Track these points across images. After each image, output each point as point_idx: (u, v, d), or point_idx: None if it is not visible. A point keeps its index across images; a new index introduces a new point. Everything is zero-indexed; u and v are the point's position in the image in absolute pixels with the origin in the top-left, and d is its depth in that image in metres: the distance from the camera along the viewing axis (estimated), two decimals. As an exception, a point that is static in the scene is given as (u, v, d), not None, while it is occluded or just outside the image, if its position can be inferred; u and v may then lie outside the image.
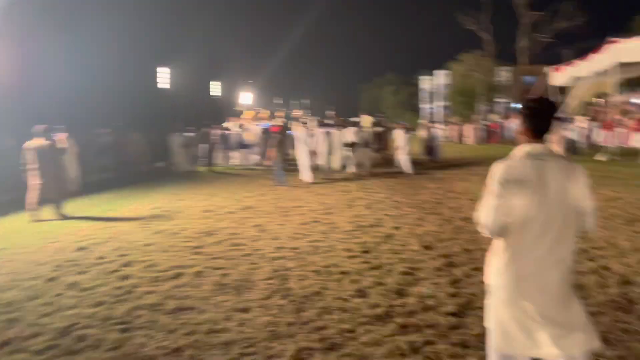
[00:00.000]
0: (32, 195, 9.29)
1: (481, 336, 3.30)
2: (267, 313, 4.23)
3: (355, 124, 15.96)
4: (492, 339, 2.48)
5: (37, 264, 6.09)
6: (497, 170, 2.39)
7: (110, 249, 6.68)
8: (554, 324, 2.33)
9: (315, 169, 14.76)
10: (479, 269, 5.20)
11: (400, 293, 4.58)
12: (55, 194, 9.49)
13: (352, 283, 4.90)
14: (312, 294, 4.65)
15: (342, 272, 5.28)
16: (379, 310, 4.15)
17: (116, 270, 5.64)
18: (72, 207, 10.15)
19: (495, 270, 2.47)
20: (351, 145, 15.41)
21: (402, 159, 15.87)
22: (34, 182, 9.30)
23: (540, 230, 2.32)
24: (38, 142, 9.33)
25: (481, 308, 3.47)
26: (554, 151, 2.50)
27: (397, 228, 7.41)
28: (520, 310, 2.36)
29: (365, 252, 6.12)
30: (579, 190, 2.37)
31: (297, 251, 6.28)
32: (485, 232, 2.44)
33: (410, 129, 16.53)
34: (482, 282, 4.78)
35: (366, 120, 17.00)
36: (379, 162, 18.80)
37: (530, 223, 2.33)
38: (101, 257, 6.24)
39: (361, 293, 4.61)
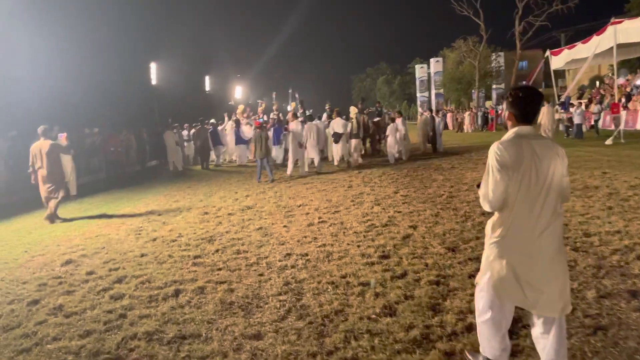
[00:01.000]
0: (44, 197, 9.11)
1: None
2: (283, 340, 3.61)
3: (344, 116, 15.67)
4: (488, 284, 2.79)
5: (19, 282, 5.47)
6: (493, 150, 2.65)
7: (100, 262, 6.04)
8: (538, 285, 2.64)
9: (306, 163, 14.30)
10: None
11: (435, 309, 3.98)
12: (58, 194, 9.19)
13: (376, 297, 4.29)
14: (332, 312, 4.04)
15: (363, 284, 4.67)
16: (414, 333, 3.54)
17: (107, 289, 5.01)
18: (61, 212, 9.51)
19: (493, 239, 2.75)
20: (339, 136, 15.11)
21: (400, 147, 15.71)
22: (41, 183, 9.06)
23: (532, 203, 2.60)
24: (41, 143, 9.08)
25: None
26: (540, 133, 2.79)
27: (413, 227, 6.81)
28: (513, 269, 2.66)
29: (384, 257, 5.51)
30: (563, 166, 2.68)
31: (307, 258, 5.66)
32: (487, 208, 2.76)
33: (394, 119, 16.33)
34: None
35: (352, 110, 16.49)
36: (369, 153, 18.42)
37: (522, 196, 2.61)
38: (90, 273, 5.61)
39: (389, 310, 4.00)
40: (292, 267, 5.38)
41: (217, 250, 6.25)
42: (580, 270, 4.69)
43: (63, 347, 3.70)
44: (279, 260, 5.64)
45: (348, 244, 6.14)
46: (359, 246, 6.02)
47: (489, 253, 2.79)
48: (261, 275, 5.17)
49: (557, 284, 2.66)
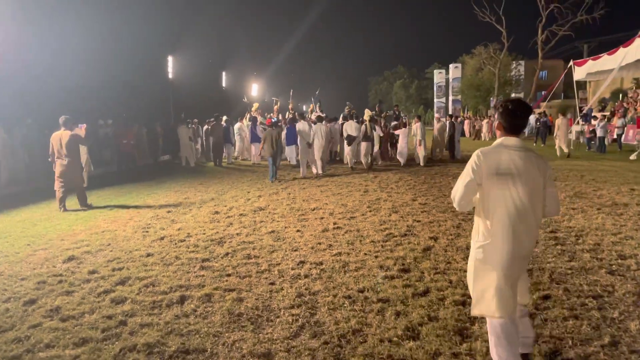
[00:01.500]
0: (58, 185, 9.12)
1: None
2: (295, 362, 3.28)
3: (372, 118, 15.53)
4: (476, 305, 2.90)
5: (18, 278, 5.20)
6: (473, 155, 2.79)
7: (104, 260, 5.76)
8: (513, 288, 2.81)
9: (319, 165, 14.06)
10: (550, 299, 4.25)
11: (463, 334, 3.62)
12: (78, 183, 9.39)
13: (397, 317, 3.94)
14: (349, 331, 3.70)
15: (382, 300, 4.32)
16: (441, 362, 3.19)
17: (109, 291, 4.71)
18: (69, 204, 9.29)
19: (478, 244, 2.85)
20: (351, 139, 15.12)
21: (419, 152, 15.73)
22: (59, 172, 9.11)
23: (513, 210, 2.71)
24: (62, 133, 9.14)
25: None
26: (525, 145, 2.80)
27: (434, 239, 6.44)
28: (494, 276, 2.77)
29: (404, 271, 5.15)
30: (544, 177, 2.77)
31: (322, 268, 5.32)
32: (455, 206, 2.90)
33: (406, 124, 16.50)
34: (564, 319, 3.82)
35: (367, 113, 16.28)
36: (387, 157, 18.11)
37: (504, 203, 2.72)
38: (93, 272, 5.32)
39: (412, 333, 3.65)
40: (306, 276, 5.04)
41: (226, 254, 5.94)
42: (619, 297, 4.30)
43: (56, 356, 3.40)
44: (292, 269, 5.31)
45: (365, 254, 5.79)
46: (376, 257, 5.67)
47: (475, 256, 2.87)
48: (272, 284, 4.85)
49: (524, 278, 2.96)
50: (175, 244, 6.52)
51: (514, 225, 2.72)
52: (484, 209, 2.80)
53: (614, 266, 5.15)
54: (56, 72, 18.77)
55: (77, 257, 5.90)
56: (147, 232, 7.26)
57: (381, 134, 16.15)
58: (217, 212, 8.68)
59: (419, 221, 7.57)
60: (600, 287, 4.53)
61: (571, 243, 6.08)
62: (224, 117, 19.72)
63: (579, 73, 29.46)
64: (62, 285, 4.91)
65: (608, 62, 25.00)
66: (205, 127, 20.23)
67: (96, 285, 4.89)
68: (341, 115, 19.32)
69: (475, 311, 2.90)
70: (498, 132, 2.88)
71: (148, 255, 5.97)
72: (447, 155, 18.40)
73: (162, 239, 6.81)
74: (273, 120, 15.98)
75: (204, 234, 7.05)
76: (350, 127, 15.17)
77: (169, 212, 8.84)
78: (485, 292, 2.81)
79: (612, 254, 5.59)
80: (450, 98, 58.27)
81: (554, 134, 18.63)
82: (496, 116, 2.90)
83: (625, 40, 22.76)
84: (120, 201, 10.25)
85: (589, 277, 4.81)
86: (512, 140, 2.78)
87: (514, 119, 2.79)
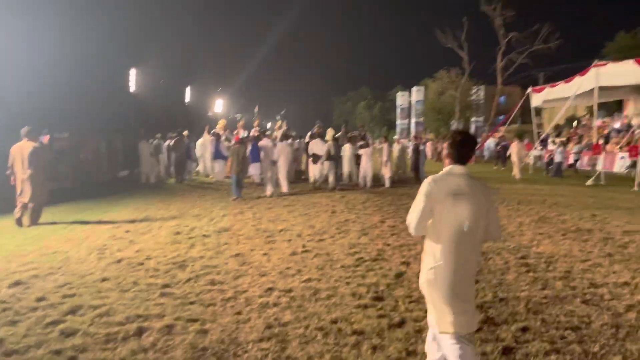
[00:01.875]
0: (19, 199, 8.70)
1: None
2: (267, 405, 2.99)
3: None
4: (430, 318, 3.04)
5: (-44, 305, 4.69)
6: (424, 183, 2.95)
7: (54, 286, 5.29)
8: (461, 308, 2.86)
9: (284, 183, 13.89)
10: (529, 331, 4.12)
11: (444, 371, 3.42)
12: (39, 198, 8.88)
13: (374, 352, 3.70)
14: (324, 369, 3.44)
15: (357, 332, 4.08)
16: (425, 405, 2.97)
17: (58, 321, 4.28)
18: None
19: (427, 266, 2.97)
20: (317, 157, 15.14)
21: (385, 174, 15.88)
22: (20, 185, 8.70)
23: (460, 229, 2.84)
24: (23, 144, 8.74)
25: None
26: (470, 173, 2.98)
27: (406, 264, 6.27)
28: (444, 295, 2.87)
29: (378, 299, 4.94)
30: (488, 202, 2.97)
31: (291, 295, 5.05)
32: (411, 231, 3.02)
33: (368, 144, 16.82)
34: (545, 353, 3.68)
35: (329, 132, 16.26)
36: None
37: (452, 223, 2.85)
38: (41, 298, 4.87)
39: (391, 370, 3.43)
40: (275, 305, 4.75)
41: (188, 279, 5.58)
42: (597, 329, 4.20)
43: (-8, 401, 3.00)
44: (260, 296, 5.01)
45: (336, 281, 5.55)
46: (348, 283, 5.44)
47: (427, 277, 2.96)
48: (239, 313, 4.53)
49: (473, 303, 3.00)
50: (133, 267, 6.11)
51: (461, 244, 2.85)
52: (435, 232, 2.92)
53: (587, 295, 5.09)
54: (7, 81, 17.87)
55: (24, 282, 5.41)
56: (102, 253, 6.80)
57: (355, 152, 16.11)
58: (178, 233, 8.27)
59: (389, 245, 7.40)
60: (577, 318, 4.44)
61: (542, 270, 6.02)
62: (185, 132, 19.29)
63: (536, 100, 30.48)
64: (6, 313, 4.45)
65: (564, 90, 25.93)
66: (167, 142, 19.67)
67: (44, 314, 4.45)
68: (308, 134, 19.18)
69: (438, 329, 2.95)
70: (446, 161, 3.05)
71: (103, 280, 5.54)
72: (412, 176, 18.48)
73: (119, 261, 6.38)
74: (241, 137, 15.68)
75: (165, 256, 6.66)
76: (317, 146, 15.09)
77: (127, 231, 8.36)
78: (440, 311, 2.90)
79: (584, 282, 5.55)
80: (413, 120, 59.27)
81: (507, 153, 19.41)
82: (445, 146, 3.06)
83: (580, 69, 23.68)
84: (75, 218, 9.66)
85: (564, 307, 4.72)
86: (458, 169, 2.96)
87: (461, 148, 2.98)
